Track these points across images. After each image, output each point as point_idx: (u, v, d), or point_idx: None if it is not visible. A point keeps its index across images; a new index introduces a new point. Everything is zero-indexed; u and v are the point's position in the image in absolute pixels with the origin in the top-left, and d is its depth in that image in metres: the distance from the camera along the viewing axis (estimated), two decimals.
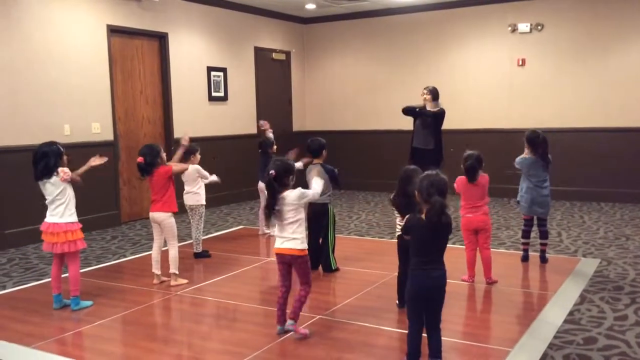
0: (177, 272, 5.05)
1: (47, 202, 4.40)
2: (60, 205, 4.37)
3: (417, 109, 7.02)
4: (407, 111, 7.11)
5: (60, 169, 4.34)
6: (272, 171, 3.78)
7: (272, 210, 3.79)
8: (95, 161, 4.59)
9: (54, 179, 4.34)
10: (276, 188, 3.77)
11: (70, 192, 4.42)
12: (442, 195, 3.17)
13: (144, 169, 4.91)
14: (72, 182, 4.42)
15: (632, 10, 8.50)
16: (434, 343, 3.28)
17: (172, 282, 5.03)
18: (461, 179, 4.83)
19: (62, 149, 4.42)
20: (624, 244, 6.22)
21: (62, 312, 4.45)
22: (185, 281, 5.09)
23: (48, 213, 4.41)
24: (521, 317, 4.21)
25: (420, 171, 3.99)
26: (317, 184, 3.89)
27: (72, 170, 4.42)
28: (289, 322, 3.85)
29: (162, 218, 5.00)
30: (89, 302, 4.55)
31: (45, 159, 4.33)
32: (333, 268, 5.32)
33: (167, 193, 4.98)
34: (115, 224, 7.72)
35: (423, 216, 3.21)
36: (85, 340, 4.02)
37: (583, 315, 4.12)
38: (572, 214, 8.00)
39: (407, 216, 3.38)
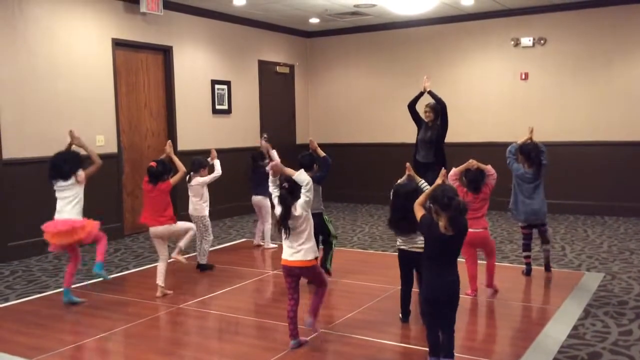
0: (182, 249, 5.25)
1: (61, 203, 4.77)
2: (75, 205, 4.77)
3: (419, 94, 6.94)
4: (412, 105, 7.02)
5: (77, 173, 4.78)
6: (285, 184, 3.73)
7: (286, 226, 3.71)
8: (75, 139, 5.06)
9: (71, 181, 4.75)
10: (290, 202, 3.70)
11: (82, 195, 4.84)
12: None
13: (153, 173, 5.00)
14: (91, 174, 4.90)
15: (634, 24, 8.52)
16: (446, 343, 3.35)
17: (172, 254, 5.23)
18: (459, 186, 4.82)
19: (82, 156, 4.94)
20: (628, 258, 6.19)
21: (65, 324, 4.45)
22: (184, 261, 5.32)
23: (60, 210, 4.76)
24: (525, 332, 4.19)
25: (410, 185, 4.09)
26: (300, 174, 3.74)
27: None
28: (306, 319, 3.86)
29: (166, 232, 5.09)
30: (107, 275, 5.06)
31: (66, 163, 4.77)
32: (327, 267, 5.35)
33: (168, 208, 5.09)
34: (119, 236, 7.73)
35: (441, 224, 3.27)
36: (88, 353, 4.01)
37: (587, 330, 4.10)
38: (576, 227, 7.98)
39: (421, 216, 3.42)
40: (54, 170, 4.79)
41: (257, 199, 6.90)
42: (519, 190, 5.40)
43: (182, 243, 5.22)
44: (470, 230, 4.75)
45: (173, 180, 5.11)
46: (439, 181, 3.56)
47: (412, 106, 7.06)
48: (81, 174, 4.81)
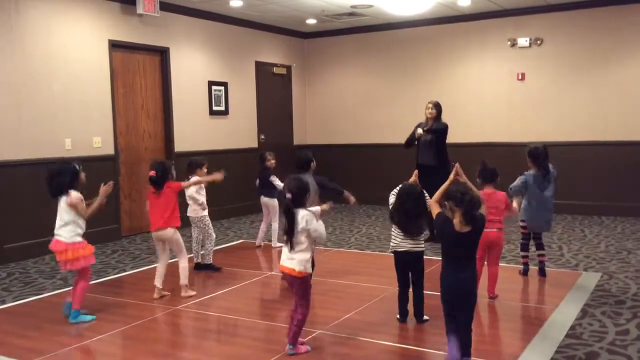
0: (187, 284, 5.10)
1: (57, 219, 4.45)
2: (65, 226, 4.41)
3: (416, 133, 6.94)
4: (409, 143, 7.11)
5: (71, 192, 4.40)
6: (288, 194, 3.63)
7: (291, 236, 3.63)
8: (106, 191, 4.65)
9: (63, 198, 4.41)
10: (294, 212, 3.62)
11: (74, 219, 4.43)
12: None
13: (156, 181, 4.91)
14: (78, 212, 4.43)
15: (630, 24, 8.54)
16: (463, 342, 3.33)
17: (183, 294, 5.06)
18: (483, 192, 4.79)
19: (77, 168, 4.49)
20: (626, 257, 6.21)
21: (62, 326, 4.43)
22: (194, 293, 5.11)
23: (55, 230, 4.47)
24: (522, 332, 4.19)
25: (416, 187, 4.09)
26: (321, 226, 3.70)
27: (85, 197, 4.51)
28: (288, 347, 3.74)
29: (169, 235, 4.99)
30: (89, 317, 4.51)
31: (59, 177, 4.41)
32: None
33: (175, 209, 4.99)
34: (116, 238, 7.71)
35: (455, 220, 3.29)
36: (85, 356, 4.00)
37: (585, 329, 4.10)
38: (573, 227, 7.99)
39: (437, 213, 3.44)
40: (49, 185, 4.42)
41: (264, 200, 6.90)
42: (531, 195, 5.35)
43: (182, 280, 5.07)
44: (486, 230, 4.74)
45: (185, 184, 5.23)
46: (452, 177, 3.60)
47: (408, 146, 7.15)
48: (73, 194, 4.38)
